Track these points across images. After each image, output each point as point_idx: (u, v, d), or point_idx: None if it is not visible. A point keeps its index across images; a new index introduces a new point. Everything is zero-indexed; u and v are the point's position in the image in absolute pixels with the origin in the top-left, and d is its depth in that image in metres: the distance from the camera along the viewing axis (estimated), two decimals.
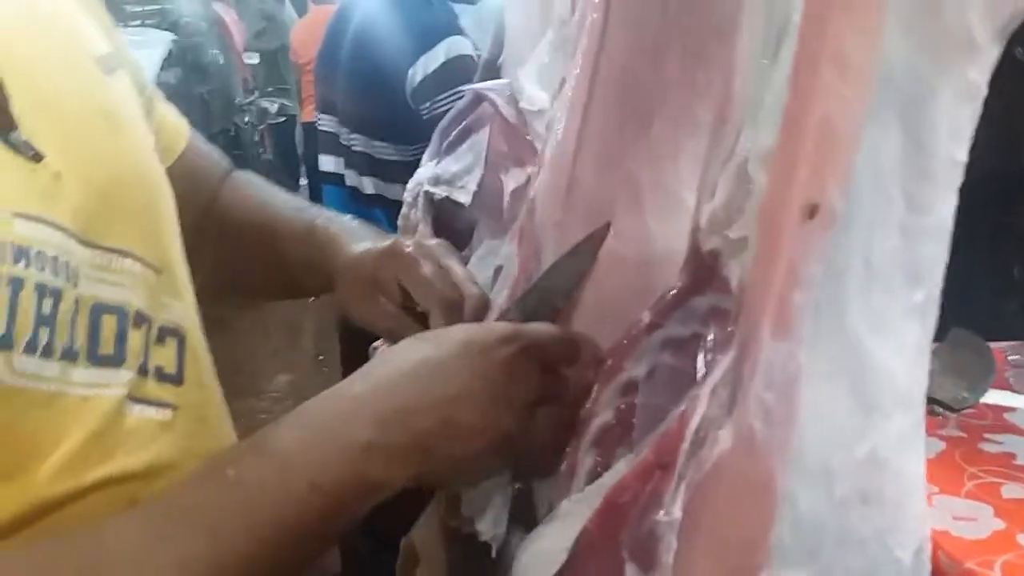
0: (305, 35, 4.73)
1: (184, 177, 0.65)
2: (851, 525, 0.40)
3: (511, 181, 0.84)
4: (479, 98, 0.82)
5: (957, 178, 0.36)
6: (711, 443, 0.38)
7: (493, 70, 0.99)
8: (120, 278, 0.49)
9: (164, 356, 0.51)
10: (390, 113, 1.57)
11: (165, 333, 0.51)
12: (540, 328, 0.50)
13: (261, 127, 5.16)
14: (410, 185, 0.93)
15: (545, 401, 0.49)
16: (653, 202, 0.53)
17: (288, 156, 5.41)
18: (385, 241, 0.66)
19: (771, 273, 0.36)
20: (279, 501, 0.41)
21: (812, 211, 0.35)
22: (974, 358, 0.62)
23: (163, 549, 0.39)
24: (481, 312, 0.57)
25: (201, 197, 0.72)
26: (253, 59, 5.34)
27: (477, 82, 1.02)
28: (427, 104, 1.51)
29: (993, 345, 0.66)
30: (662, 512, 0.39)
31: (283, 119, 5.27)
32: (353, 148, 1.65)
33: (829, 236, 0.35)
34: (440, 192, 0.88)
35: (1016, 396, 0.59)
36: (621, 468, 0.49)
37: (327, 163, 1.73)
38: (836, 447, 0.38)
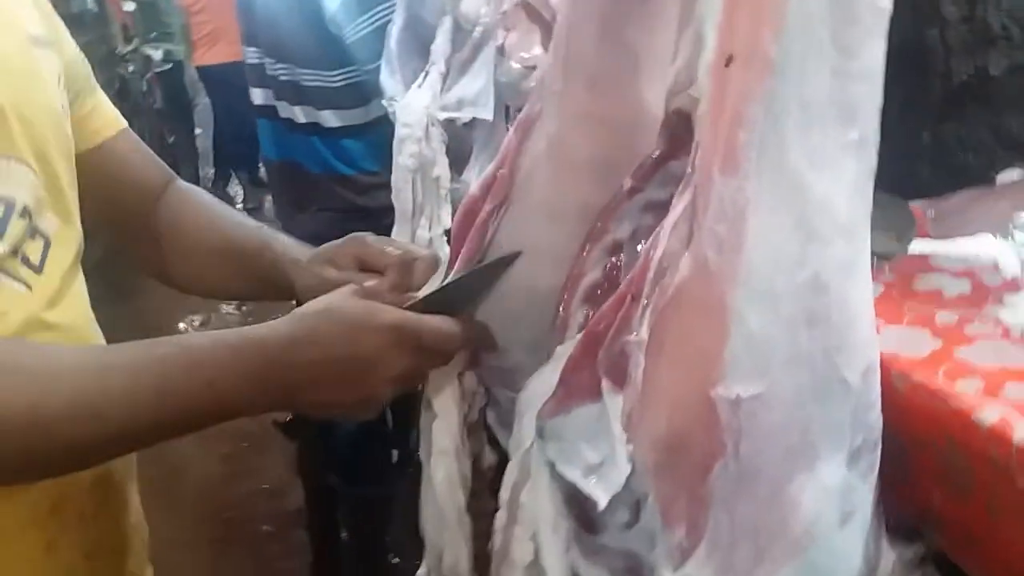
0: None
1: (113, 164, 0.79)
2: (799, 344, 0.46)
3: None
4: None
5: (882, 23, 0.41)
6: (672, 272, 0.44)
7: None
8: (15, 178, 0.63)
9: (32, 249, 0.64)
10: (312, 39, 1.54)
11: (36, 232, 0.65)
12: (425, 322, 0.60)
13: (148, 76, 4.97)
14: (412, 119, 0.94)
15: (409, 375, 0.61)
16: (648, 68, 0.56)
17: (180, 103, 5.22)
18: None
19: (719, 117, 0.41)
20: (185, 383, 0.56)
21: (752, 57, 0.39)
22: (896, 215, 0.68)
23: (110, 376, 0.55)
24: (431, 270, 0.68)
25: (140, 194, 0.83)
26: (130, 6, 5.10)
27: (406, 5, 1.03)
28: (350, 27, 1.49)
29: (912, 204, 0.72)
30: (632, 334, 0.45)
31: (170, 65, 5.02)
32: (280, 78, 1.63)
33: (767, 80, 0.40)
34: (465, 115, 0.91)
35: (936, 243, 0.66)
36: None
37: (257, 96, 1.72)
38: (781, 270, 0.43)
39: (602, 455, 0.48)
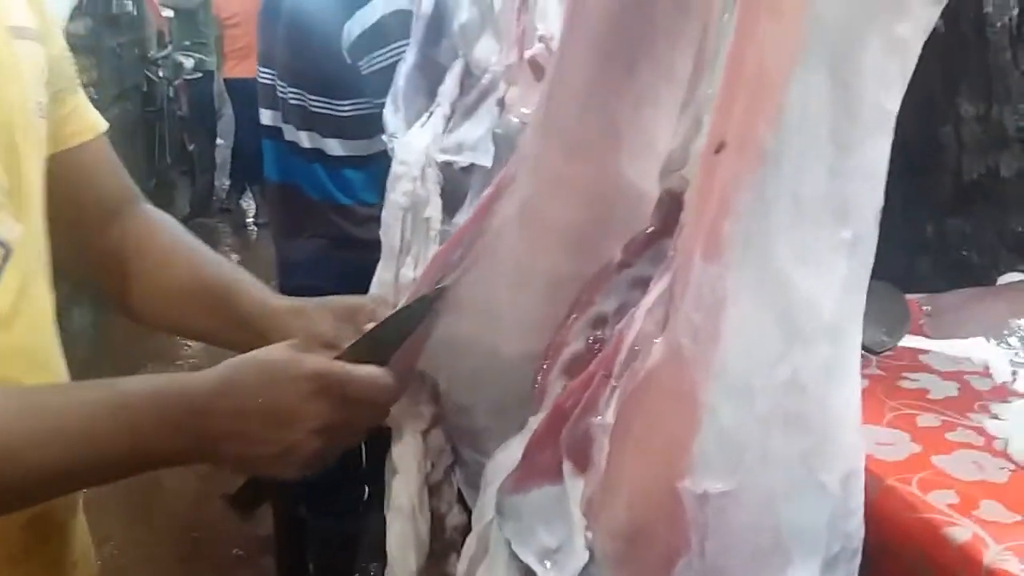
0: None
1: (83, 169, 0.75)
2: (773, 445, 0.44)
3: None
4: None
5: (887, 124, 0.39)
6: (644, 356, 0.42)
7: (436, 28, 1.01)
8: None
9: None
10: (326, 67, 1.54)
11: None
12: (352, 371, 0.58)
13: (176, 82, 5.01)
14: (409, 158, 0.94)
15: (336, 427, 0.58)
16: (631, 144, 0.55)
17: (205, 112, 5.26)
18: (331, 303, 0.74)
19: (706, 203, 0.40)
20: (109, 426, 0.55)
21: (745, 147, 0.38)
22: (891, 307, 0.66)
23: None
24: None
25: (103, 205, 0.78)
26: (169, 13, 5.17)
27: (420, 39, 1.04)
28: (365, 59, 1.49)
29: (909, 297, 0.70)
30: (597, 416, 0.43)
31: (200, 75, 5.07)
32: (289, 101, 1.63)
33: (759, 171, 0.38)
34: (464, 160, 0.90)
35: (929, 340, 0.65)
36: None
37: (265, 116, 1.72)
38: (758, 367, 0.41)
39: (559, 540, 0.46)
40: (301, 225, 1.67)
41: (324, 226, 1.62)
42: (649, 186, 0.54)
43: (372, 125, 1.54)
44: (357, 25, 1.50)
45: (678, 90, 0.54)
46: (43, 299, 0.69)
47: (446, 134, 0.90)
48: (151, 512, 2.33)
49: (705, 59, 0.47)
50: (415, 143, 0.92)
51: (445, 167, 0.89)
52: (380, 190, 1.61)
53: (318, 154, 1.63)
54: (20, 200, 0.65)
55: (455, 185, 0.90)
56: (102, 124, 0.79)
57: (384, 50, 1.48)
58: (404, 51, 1.45)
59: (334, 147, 1.60)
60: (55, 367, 0.70)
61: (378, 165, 1.58)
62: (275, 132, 1.70)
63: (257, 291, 0.75)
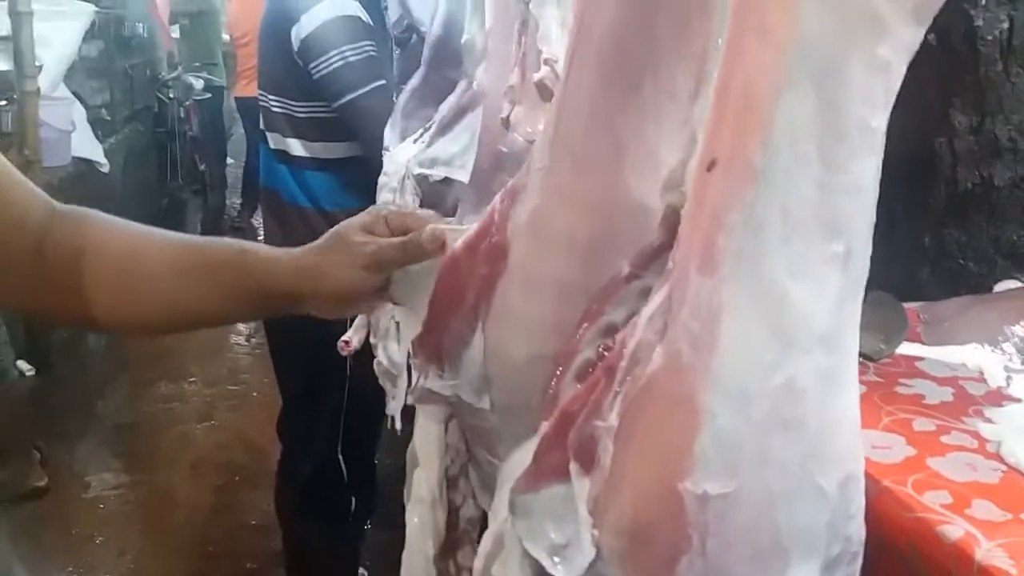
0: (239, 9, 4.66)
1: None
2: (772, 447, 0.46)
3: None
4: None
5: (874, 142, 0.41)
6: (645, 363, 0.44)
7: (447, 48, 1.04)
8: None
9: None
10: (281, 69, 1.61)
11: None
12: None
13: (187, 103, 5.06)
14: (391, 170, 0.98)
15: None
16: (635, 159, 0.57)
17: (215, 132, 5.33)
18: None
19: (700, 218, 0.42)
20: None
21: (735, 164, 0.40)
22: (890, 316, 0.69)
23: None
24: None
25: (24, 224, 0.69)
26: (176, 33, 5.25)
27: (428, 59, 1.07)
28: (312, 64, 1.54)
29: (908, 305, 0.73)
30: (602, 419, 0.45)
31: (209, 95, 5.16)
32: (260, 103, 1.72)
33: (749, 188, 0.40)
34: (438, 173, 0.94)
35: (926, 347, 0.66)
36: None
37: (260, 122, 1.78)
38: (754, 374, 0.43)
39: (567, 537, 0.48)
40: (280, 230, 1.73)
41: (294, 231, 1.67)
42: (652, 200, 0.56)
43: (330, 129, 1.60)
44: (303, 29, 1.55)
45: (679, 107, 0.56)
46: None
47: (426, 149, 0.93)
48: (166, 527, 2.35)
49: (704, 80, 0.50)
50: (399, 156, 0.95)
51: (422, 179, 0.92)
52: (341, 198, 1.69)
53: (284, 155, 1.69)
54: None
55: (436, 197, 0.94)
56: None
57: (329, 55, 1.52)
58: (351, 57, 1.51)
59: (296, 147, 1.66)
60: None
61: (342, 172, 1.64)
62: (263, 137, 1.77)
63: (256, 247, 0.73)
